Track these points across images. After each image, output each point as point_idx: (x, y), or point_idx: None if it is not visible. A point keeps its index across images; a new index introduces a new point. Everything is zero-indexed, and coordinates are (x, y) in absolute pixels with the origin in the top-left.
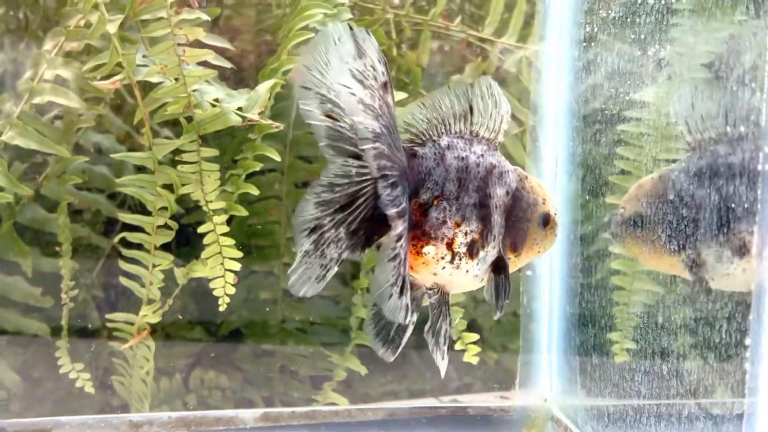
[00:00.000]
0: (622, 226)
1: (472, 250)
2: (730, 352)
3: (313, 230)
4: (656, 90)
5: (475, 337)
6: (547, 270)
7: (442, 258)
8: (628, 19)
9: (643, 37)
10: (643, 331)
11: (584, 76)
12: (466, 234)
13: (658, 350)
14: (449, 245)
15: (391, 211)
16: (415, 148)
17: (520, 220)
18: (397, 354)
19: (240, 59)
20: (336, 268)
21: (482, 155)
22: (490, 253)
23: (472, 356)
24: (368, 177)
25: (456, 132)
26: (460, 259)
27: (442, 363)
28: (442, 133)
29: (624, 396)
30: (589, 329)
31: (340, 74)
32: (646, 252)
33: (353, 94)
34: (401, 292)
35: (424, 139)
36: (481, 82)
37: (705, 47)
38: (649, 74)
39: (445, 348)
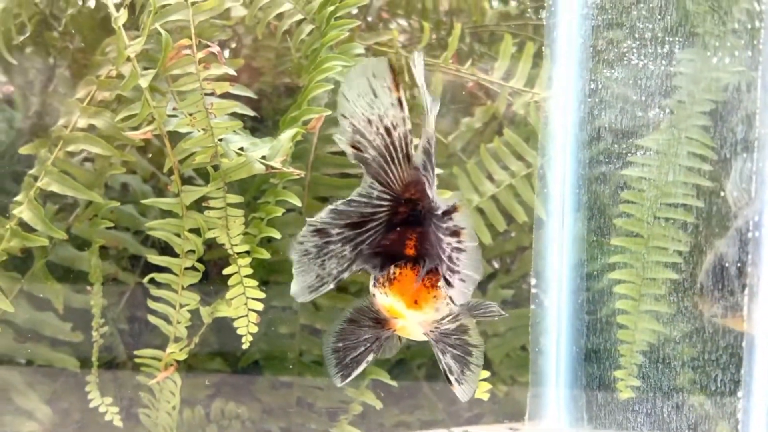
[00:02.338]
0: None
1: None
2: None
3: (318, 231)
4: (658, 137)
5: (486, 374)
6: (555, 307)
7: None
8: (631, 76)
9: (645, 87)
10: (646, 369)
11: (589, 122)
12: None
13: (662, 388)
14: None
15: None
16: None
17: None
18: (347, 381)
19: (259, 101)
20: (332, 286)
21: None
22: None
23: (483, 393)
24: (386, 203)
25: None
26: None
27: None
28: None
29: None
30: (594, 366)
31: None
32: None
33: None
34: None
35: None
36: None
37: (705, 95)
38: (652, 122)
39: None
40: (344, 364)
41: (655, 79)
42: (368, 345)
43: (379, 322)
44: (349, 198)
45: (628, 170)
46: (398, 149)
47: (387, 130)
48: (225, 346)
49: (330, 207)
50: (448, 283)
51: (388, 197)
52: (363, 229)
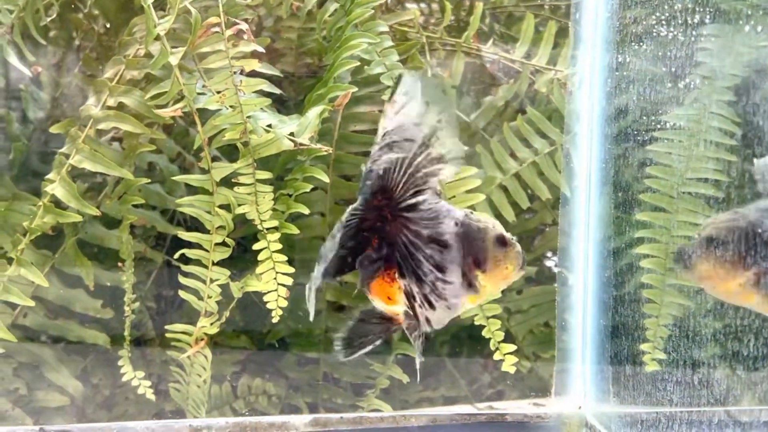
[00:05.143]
0: (701, 246)
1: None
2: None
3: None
4: (684, 112)
5: (512, 347)
6: (581, 283)
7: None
8: (658, 47)
9: (671, 62)
10: (672, 342)
11: (615, 98)
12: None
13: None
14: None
15: None
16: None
17: (473, 243)
18: (350, 357)
19: (280, 83)
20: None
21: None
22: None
23: (509, 366)
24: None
25: None
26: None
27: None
28: None
29: (656, 404)
30: (620, 340)
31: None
32: (720, 273)
33: None
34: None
35: None
36: None
37: (730, 71)
38: (677, 97)
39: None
40: (351, 345)
41: (680, 55)
42: (377, 335)
43: (387, 319)
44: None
45: (654, 145)
46: None
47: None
48: (252, 323)
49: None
50: (431, 305)
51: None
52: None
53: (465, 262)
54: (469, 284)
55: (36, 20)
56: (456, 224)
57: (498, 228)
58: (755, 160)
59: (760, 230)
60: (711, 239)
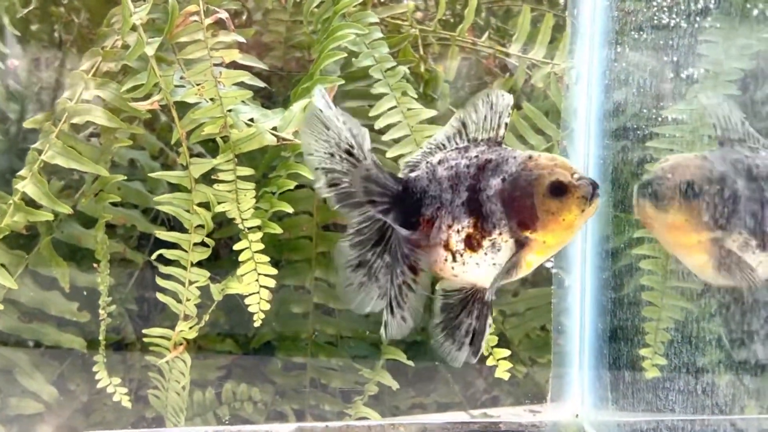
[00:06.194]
0: (669, 191)
1: (471, 244)
2: None
3: (358, 266)
4: (685, 106)
5: (506, 352)
6: (578, 284)
7: (445, 260)
8: (658, 38)
9: (672, 53)
10: (674, 347)
11: (613, 93)
12: (458, 231)
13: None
14: (446, 246)
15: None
16: (409, 175)
17: (521, 198)
18: (479, 353)
19: (269, 75)
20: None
21: (477, 156)
22: (498, 239)
23: (503, 372)
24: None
25: (452, 147)
26: (461, 255)
27: (458, 354)
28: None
29: (657, 411)
30: (619, 344)
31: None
32: (685, 224)
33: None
34: (391, 312)
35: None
36: (475, 98)
37: (733, 64)
38: (678, 91)
39: (466, 340)
40: (466, 342)
41: (682, 46)
42: (471, 315)
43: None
44: (356, 229)
45: (654, 141)
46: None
47: (347, 152)
48: (236, 326)
49: (348, 244)
50: (391, 312)
51: None
52: (386, 238)
53: (509, 225)
54: (521, 244)
55: (12, 13)
56: (504, 180)
57: (557, 173)
58: (704, 102)
59: (733, 189)
60: (689, 185)
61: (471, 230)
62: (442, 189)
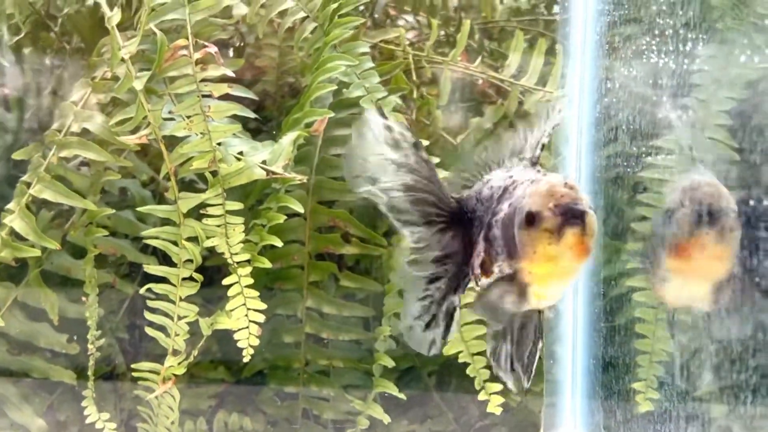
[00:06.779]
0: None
1: (485, 269)
2: None
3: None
4: (677, 137)
5: (498, 387)
6: (570, 312)
7: (475, 282)
8: (648, 74)
9: (664, 83)
10: (666, 380)
11: (604, 122)
12: (478, 255)
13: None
14: (472, 270)
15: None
16: (463, 192)
17: (509, 227)
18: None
19: (262, 101)
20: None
21: (511, 176)
22: (504, 267)
23: (495, 407)
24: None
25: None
26: (479, 279)
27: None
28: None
29: None
30: (612, 376)
31: (376, 145)
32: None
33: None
34: (427, 326)
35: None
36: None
37: (726, 93)
38: (670, 121)
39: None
40: (515, 368)
41: (673, 77)
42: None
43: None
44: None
45: (646, 172)
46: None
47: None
48: (228, 355)
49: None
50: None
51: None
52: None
53: (506, 253)
54: (516, 273)
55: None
56: (510, 205)
57: (535, 199)
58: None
59: None
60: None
61: (484, 255)
62: (483, 209)
